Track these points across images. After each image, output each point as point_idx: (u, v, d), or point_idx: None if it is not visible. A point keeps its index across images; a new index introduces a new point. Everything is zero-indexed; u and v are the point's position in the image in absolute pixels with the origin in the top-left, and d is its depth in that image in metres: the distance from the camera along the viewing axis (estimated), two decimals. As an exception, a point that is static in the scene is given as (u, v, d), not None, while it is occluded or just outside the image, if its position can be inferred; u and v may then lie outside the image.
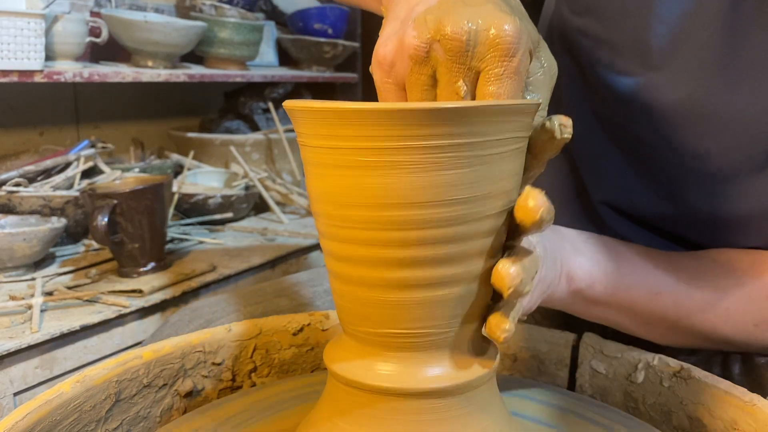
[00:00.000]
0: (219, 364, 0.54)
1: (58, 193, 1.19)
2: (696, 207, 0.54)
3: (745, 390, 0.44)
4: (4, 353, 0.85)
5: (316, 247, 1.39)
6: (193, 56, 1.63)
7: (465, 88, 0.35)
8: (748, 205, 0.52)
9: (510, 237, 0.36)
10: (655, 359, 0.50)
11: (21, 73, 1.16)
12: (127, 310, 0.98)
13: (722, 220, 0.54)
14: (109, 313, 0.96)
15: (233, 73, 1.63)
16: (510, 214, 0.35)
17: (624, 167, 0.58)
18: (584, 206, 0.63)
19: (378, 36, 0.39)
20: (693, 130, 0.51)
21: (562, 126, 0.35)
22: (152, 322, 1.04)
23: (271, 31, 1.88)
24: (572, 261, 0.51)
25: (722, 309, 0.53)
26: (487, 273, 0.36)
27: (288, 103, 0.34)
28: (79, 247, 1.24)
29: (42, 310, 0.94)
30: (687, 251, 0.58)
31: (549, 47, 0.40)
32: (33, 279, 1.05)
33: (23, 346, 0.87)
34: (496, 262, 0.36)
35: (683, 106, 0.51)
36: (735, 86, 0.49)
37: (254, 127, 1.87)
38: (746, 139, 0.50)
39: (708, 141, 0.51)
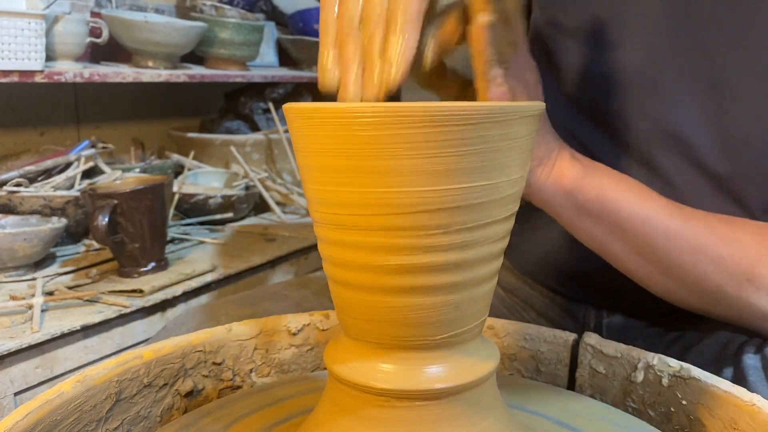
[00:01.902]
0: (219, 364, 0.54)
1: (59, 193, 1.19)
2: (666, 169, 0.59)
3: (745, 390, 0.44)
4: (5, 353, 0.85)
5: (316, 247, 1.39)
6: (194, 56, 1.63)
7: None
8: None
9: None
10: (655, 359, 0.50)
11: (21, 73, 1.16)
12: (128, 310, 0.98)
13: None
14: (110, 313, 0.96)
15: (233, 74, 1.63)
16: (512, 218, 0.35)
17: (601, 143, 0.62)
18: None
19: None
20: (654, 95, 0.57)
21: None
22: (152, 322, 1.04)
23: (271, 32, 1.88)
24: (566, 159, 0.52)
25: (716, 254, 0.52)
26: (489, 276, 0.36)
27: (287, 106, 0.34)
28: (80, 247, 1.24)
29: (42, 310, 0.94)
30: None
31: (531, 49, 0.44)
32: (33, 279, 1.05)
33: (24, 346, 0.87)
34: (498, 265, 0.36)
35: (643, 75, 0.57)
36: (687, 51, 0.55)
37: (254, 127, 1.87)
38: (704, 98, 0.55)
39: (668, 103, 0.56)
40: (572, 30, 0.62)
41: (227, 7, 1.65)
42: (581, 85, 0.62)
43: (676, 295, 0.56)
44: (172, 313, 1.07)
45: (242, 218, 1.54)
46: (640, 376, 0.51)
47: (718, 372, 0.57)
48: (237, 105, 1.89)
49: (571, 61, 0.62)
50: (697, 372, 0.48)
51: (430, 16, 0.41)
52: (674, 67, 0.56)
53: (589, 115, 0.63)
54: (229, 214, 1.46)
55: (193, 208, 1.43)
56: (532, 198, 0.53)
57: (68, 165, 1.31)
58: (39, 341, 0.88)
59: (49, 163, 1.28)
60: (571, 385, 0.56)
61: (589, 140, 0.63)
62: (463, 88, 0.48)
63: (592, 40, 0.59)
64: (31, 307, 0.94)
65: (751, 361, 0.54)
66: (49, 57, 1.23)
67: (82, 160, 1.32)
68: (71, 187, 1.27)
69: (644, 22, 0.56)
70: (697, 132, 0.57)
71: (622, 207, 0.52)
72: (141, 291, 1.02)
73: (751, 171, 0.56)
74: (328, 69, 0.40)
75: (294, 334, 0.57)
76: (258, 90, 1.90)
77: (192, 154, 1.61)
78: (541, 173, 0.51)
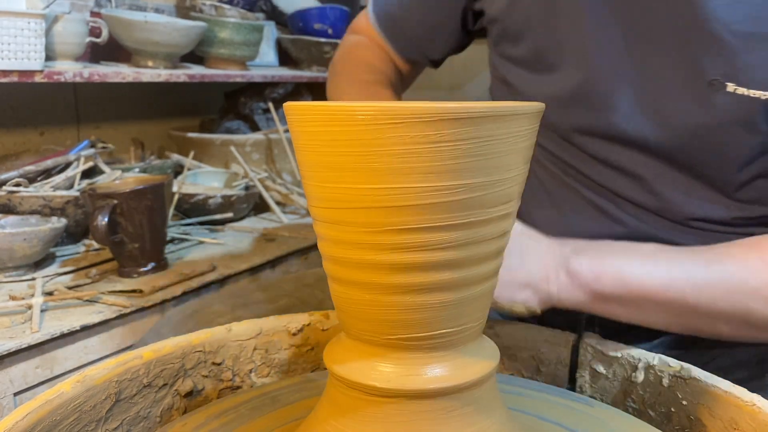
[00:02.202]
0: (219, 364, 0.54)
1: (59, 193, 1.19)
2: (631, 167, 0.64)
3: (745, 390, 0.44)
4: (5, 353, 0.85)
5: (316, 247, 1.39)
6: (194, 56, 1.63)
7: None
8: None
9: None
10: (655, 359, 0.50)
11: (21, 73, 1.16)
12: (128, 310, 0.98)
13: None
14: (109, 313, 0.96)
15: (233, 73, 1.63)
16: (511, 216, 0.35)
17: (569, 154, 0.68)
18: None
19: None
20: (598, 104, 0.63)
21: None
22: (152, 322, 1.04)
23: (271, 31, 1.88)
24: (572, 260, 0.52)
25: (750, 288, 0.51)
26: (488, 275, 0.36)
27: (288, 105, 0.34)
28: (80, 247, 1.24)
29: (42, 310, 0.94)
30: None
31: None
32: (33, 279, 1.05)
33: (23, 346, 0.87)
34: (498, 264, 0.36)
35: (582, 90, 0.63)
36: (621, 67, 0.61)
37: (254, 127, 1.87)
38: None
39: (613, 110, 0.62)
40: (520, 60, 0.69)
41: (227, 6, 1.65)
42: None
43: (731, 336, 0.55)
44: (170, 312, 1.07)
45: (242, 218, 1.54)
46: (640, 377, 0.51)
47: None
48: (237, 105, 1.89)
49: (524, 86, 0.69)
50: (697, 372, 0.48)
51: None
52: (612, 80, 0.62)
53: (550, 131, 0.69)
54: (229, 214, 1.46)
55: (192, 208, 1.43)
56: (557, 306, 0.54)
57: (68, 165, 1.31)
58: (39, 341, 0.88)
59: (48, 163, 1.28)
60: (572, 385, 0.55)
61: (558, 152, 0.68)
62: None
63: (537, 65, 0.67)
64: (30, 307, 0.93)
65: None
66: (49, 57, 1.23)
67: (82, 160, 1.32)
68: (71, 187, 1.27)
69: (580, 45, 0.63)
70: (643, 129, 0.61)
71: (642, 282, 0.52)
72: (141, 291, 1.02)
73: (701, 154, 0.59)
74: None
75: (294, 334, 0.57)
76: (258, 90, 1.90)
77: (192, 154, 1.61)
78: (555, 288, 0.52)
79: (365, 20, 0.87)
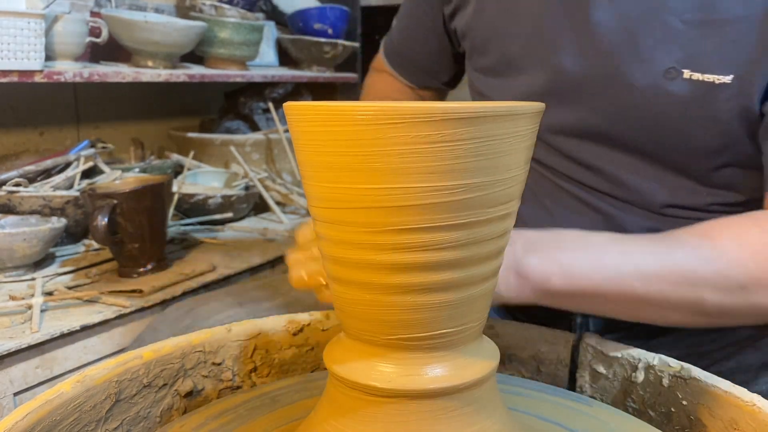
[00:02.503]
0: (219, 364, 0.54)
1: (58, 193, 1.19)
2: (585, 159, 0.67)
3: (746, 390, 0.44)
4: (4, 353, 0.85)
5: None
6: (193, 56, 1.63)
7: None
8: None
9: None
10: (656, 359, 0.50)
11: (21, 73, 1.16)
12: (127, 310, 0.98)
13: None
14: (109, 313, 0.96)
15: (233, 73, 1.63)
16: (511, 216, 0.35)
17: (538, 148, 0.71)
18: None
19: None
20: (561, 104, 0.67)
21: None
22: (152, 322, 1.04)
23: (271, 31, 1.88)
24: (522, 261, 0.52)
25: (700, 279, 0.51)
26: (489, 275, 0.36)
27: (288, 105, 0.34)
28: (79, 247, 1.24)
29: (42, 310, 0.94)
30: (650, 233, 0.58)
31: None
32: (33, 279, 1.05)
33: (23, 346, 0.87)
34: (498, 264, 0.36)
35: (545, 89, 0.67)
36: (580, 65, 0.64)
37: (254, 127, 1.87)
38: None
39: (574, 109, 0.66)
40: (490, 69, 0.73)
41: (227, 6, 1.64)
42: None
43: (682, 323, 0.55)
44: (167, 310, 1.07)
45: (242, 218, 1.54)
46: (640, 377, 0.51)
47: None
48: (237, 105, 1.89)
49: (495, 94, 0.73)
50: (697, 372, 0.48)
51: None
52: (574, 77, 0.65)
53: None
54: (229, 214, 1.45)
55: (192, 208, 1.43)
56: (506, 303, 0.55)
57: (68, 165, 1.31)
58: (39, 341, 0.88)
59: (48, 163, 1.28)
60: (572, 385, 0.55)
61: (535, 153, 0.70)
62: None
63: (505, 72, 0.72)
64: (30, 307, 0.93)
65: None
66: (49, 57, 1.23)
67: (82, 160, 1.32)
68: (71, 187, 1.27)
69: (541, 47, 0.67)
70: (609, 122, 0.63)
71: (591, 278, 0.52)
72: (140, 291, 1.02)
73: (668, 143, 0.62)
74: None
75: (294, 335, 0.57)
76: (258, 90, 1.89)
77: (192, 154, 1.61)
78: (503, 288, 0.51)
79: (381, 58, 0.96)
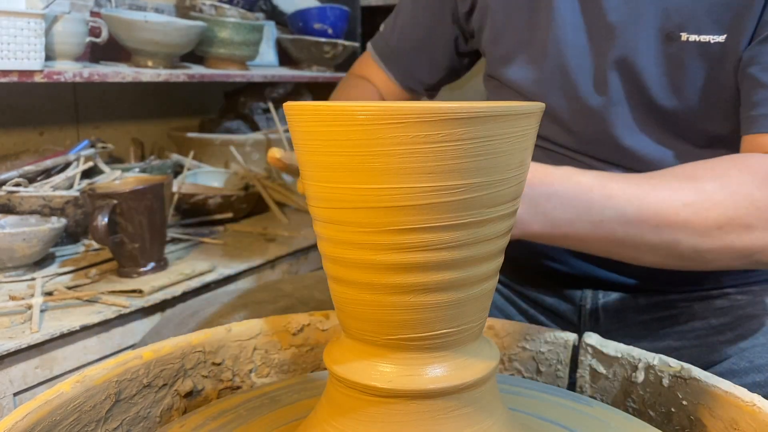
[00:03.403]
0: (219, 364, 0.54)
1: (58, 193, 1.19)
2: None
3: (746, 390, 0.44)
4: (4, 353, 0.85)
5: (316, 247, 1.39)
6: (193, 56, 1.63)
7: None
8: None
9: None
10: (656, 359, 0.50)
11: (21, 73, 1.16)
12: (127, 310, 0.98)
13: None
14: (109, 313, 0.96)
15: (233, 73, 1.63)
16: (511, 216, 0.35)
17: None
18: None
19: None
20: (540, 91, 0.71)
21: None
22: (152, 322, 1.04)
23: (271, 31, 1.88)
24: (534, 201, 0.54)
25: (687, 218, 0.53)
26: (489, 275, 0.36)
27: (288, 105, 0.34)
28: (79, 247, 1.24)
29: (42, 310, 0.94)
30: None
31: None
32: (33, 279, 1.05)
33: (23, 346, 0.86)
34: (498, 264, 0.36)
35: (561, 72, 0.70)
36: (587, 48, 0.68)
37: (254, 127, 1.87)
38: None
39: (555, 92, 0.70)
40: (504, 56, 0.76)
41: (227, 6, 1.64)
42: (525, 88, 0.75)
43: (656, 264, 0.57)
44: (171, 313, 1.07)
45: (242, 218, 1.54)
46: (640, 377, 0.51)
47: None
48: (237, 105, 1.89)
49: (512, 77, 0.76)
50: (697, 372, 0.48)
51: None
52: (582, 59, 0.69)
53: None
54: (229, 214, 1.45)
55: (192, 208, 1.43)
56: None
57: (68, 165, 1.31)
58: (38, 341, 0.88)
59: (48, 163, 1.28)
60: (572, 385, 0.55)
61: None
62: None
63: (498, 64, 0.76)
64: (30, 307, 0.93)
65: None
66: (49, 57, 1.23)
67: (82, 160, 1.32)
68: (71, 187, 1.27)
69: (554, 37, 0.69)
70: (651, 73, 0.65)
71: (573, 224, 0.54)
72: (140, 291, 1.02)
73: (696, 106, 0.63)
74: None
75: (294, 335, 0.57)
76: (258, 90, 1.89)
77: (192, 154, 1.61)
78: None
79: (365, 60, 0.97)
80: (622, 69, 0.66)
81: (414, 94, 0.95)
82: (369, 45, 0.96)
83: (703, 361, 0.65)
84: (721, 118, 0.64)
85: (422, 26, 0.88)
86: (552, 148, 0.74)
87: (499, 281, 0.81)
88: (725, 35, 0.61)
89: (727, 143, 0.64)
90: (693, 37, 0.61)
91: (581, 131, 0.70)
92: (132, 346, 1.01)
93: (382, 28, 0.95)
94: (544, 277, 0.76)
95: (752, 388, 0.49)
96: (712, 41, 0.61)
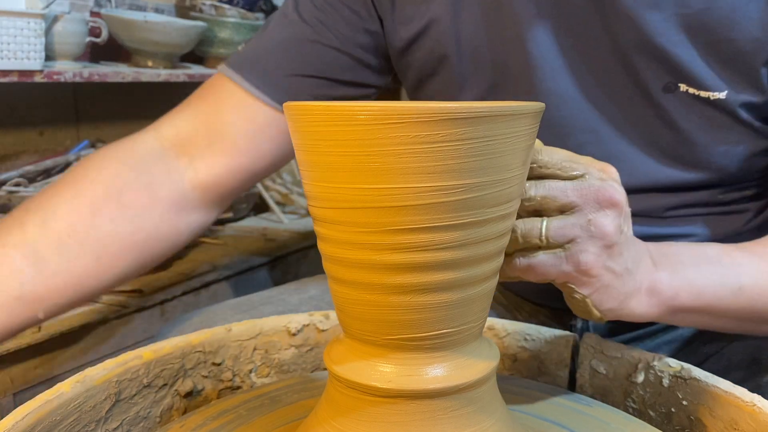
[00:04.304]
0: (219, 364, 0.54)
1: (58, 193, 1.18)
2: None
3: (746, 390, 0.44)
4: (4, 353, 0.85)
5: (316, 247, 1.39)
6: (193, 56, 1.63)
7: None
8: None
9: None
10: (655, 359, 0.50)
11: (21, 73, 1.16)
12: (127, 310, 0.98)
13: None
14: (109, 313, 0.96)
15: (233, 73, 1.63)
16: (511, 216, 0.35)
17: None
18: None
19: None
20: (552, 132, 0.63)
21: None
22: (152, 322, 1.04)
23: (271, 31, 1.88)
24: (653, 276, 0.50)
25: None
26: (488, 275, 0.36)
27: (288, 105, 0.34)
28: (79, 247, 1.24)
29: (42, 310, 0.94)
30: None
31: None
32: (33, 279, 1.05)
33: (23, 346, 0.86)
34: (498, 264, 0.36)
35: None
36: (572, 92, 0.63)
37: (254, 127, 1.87)
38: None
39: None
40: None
41: (227, 6, 1.64)
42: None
43: None
44: (171, 313, 1.07)
45: (242, 218, 1.54)
46: (640, 377, 0.51)
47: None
48: (237, 105, 1.89)
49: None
50: (697, 372, 0.48)
51: None
52: (567, 105, 0.64)
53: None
54: (229, 214, 1.45)
55: (192, 208, 1.43)
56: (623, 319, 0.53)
57: (68, 165, 1.31)
58: (39, 341, 0.88)
59: (48, 163, 1.28)
60: (572, 385, 0.55)
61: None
62: None
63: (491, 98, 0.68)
64: (30, 307, 0.93)
65: None
66: (49, 57, 1.23)
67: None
68: (71, 187, 1.26)
69: (530, 75, 0.64)
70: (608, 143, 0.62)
71: (716, 293, 0.52)
72: (140, 291, 1.02)
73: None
74: None
75: (294, 335, 0.57)
76: (258, 90, 1.89)
77: (192, 154, 1.61)
78: (636, 304, 0.50)
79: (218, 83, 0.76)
80: None
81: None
82: (225, 67, 0.77)
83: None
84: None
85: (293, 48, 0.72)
86: None
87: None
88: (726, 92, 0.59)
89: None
90: (693, 90, 0.59)
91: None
92: (132, 346, 1.01)
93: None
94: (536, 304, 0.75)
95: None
96: (712, 98, 0.59)
